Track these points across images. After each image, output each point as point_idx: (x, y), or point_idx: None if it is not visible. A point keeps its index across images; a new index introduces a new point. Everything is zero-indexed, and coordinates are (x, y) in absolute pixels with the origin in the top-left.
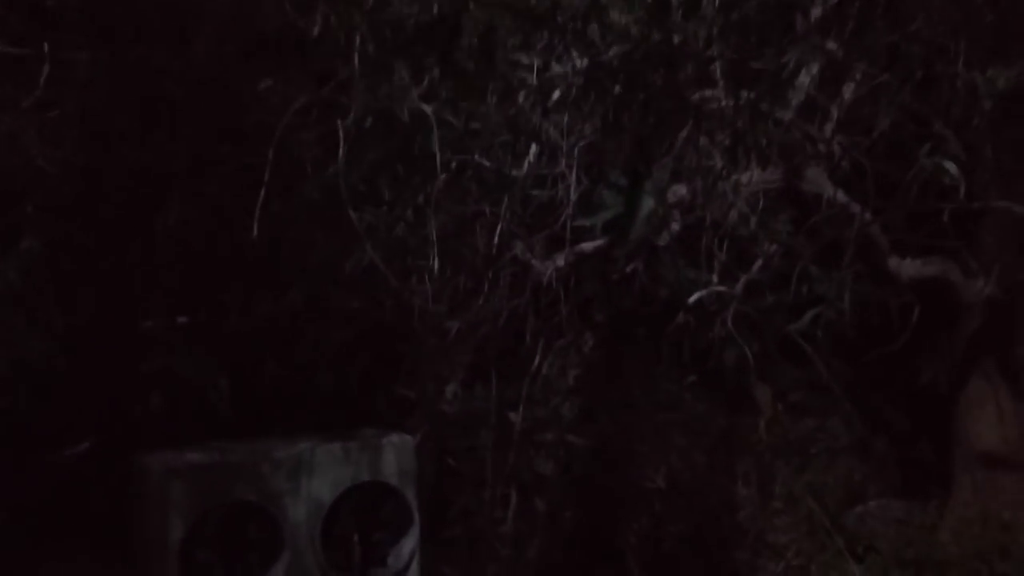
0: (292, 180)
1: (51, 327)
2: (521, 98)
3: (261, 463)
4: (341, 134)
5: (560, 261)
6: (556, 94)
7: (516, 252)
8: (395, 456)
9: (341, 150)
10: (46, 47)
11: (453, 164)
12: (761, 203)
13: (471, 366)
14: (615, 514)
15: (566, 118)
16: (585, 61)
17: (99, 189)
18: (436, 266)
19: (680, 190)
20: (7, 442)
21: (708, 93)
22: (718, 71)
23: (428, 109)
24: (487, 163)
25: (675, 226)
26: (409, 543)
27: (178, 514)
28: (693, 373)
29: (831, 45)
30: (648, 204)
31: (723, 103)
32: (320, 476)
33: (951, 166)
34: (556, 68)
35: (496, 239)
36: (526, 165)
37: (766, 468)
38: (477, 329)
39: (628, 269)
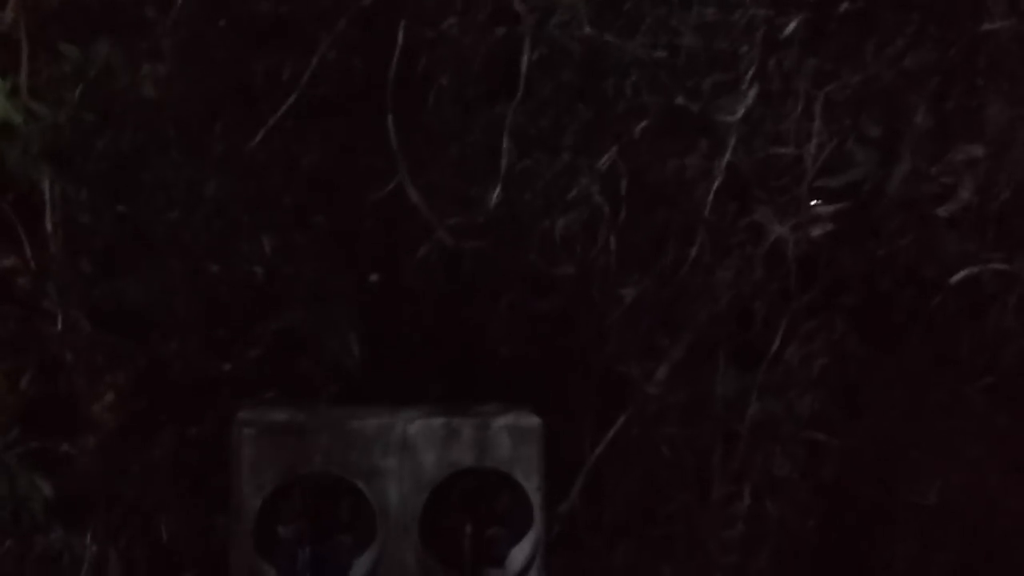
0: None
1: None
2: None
3: (352, 433)
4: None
5: (811, 230)
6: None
7: (755, 217)
8: (513, 440)
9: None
10: None
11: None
12: None
13: (692, 346)
14: (871, 531)
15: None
16: None
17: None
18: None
19: (973, 150)
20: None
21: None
22: None
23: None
24: (693, 108)
25: (964, 193)
26: (529, 543)
27: (257, 478)
28: (984, 371)
29: None
30: (907, 163)
31: None
32: (423, 455)
33: None
34: None
35: (711, 198)
36: (744, 110)
37: None
38: (694, 303)
39: (889, 242)
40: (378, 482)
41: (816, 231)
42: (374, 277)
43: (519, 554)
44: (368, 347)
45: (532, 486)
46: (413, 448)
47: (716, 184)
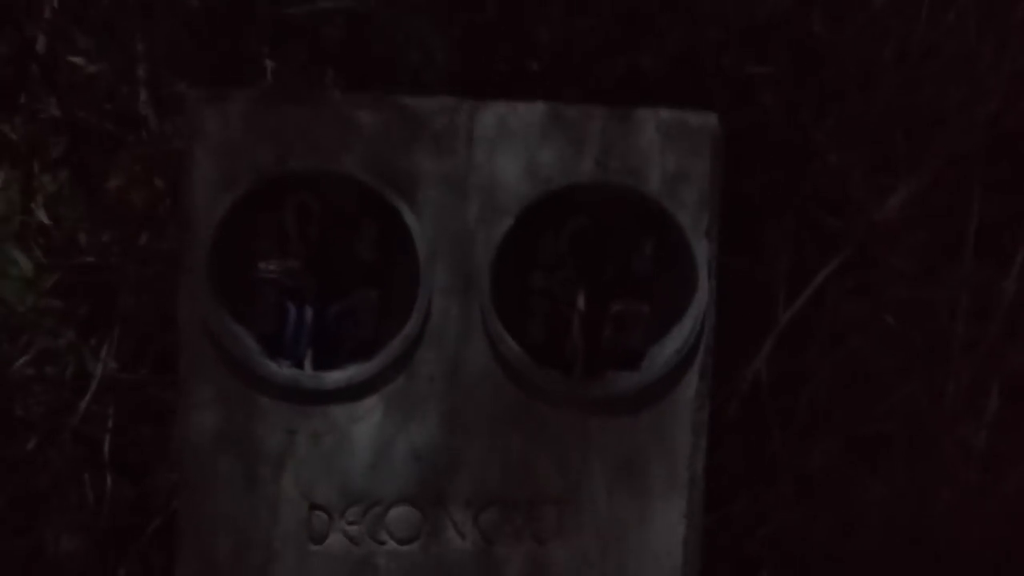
0: None
1: None
2: None
3: (386, 114)
4: None
5: None
6: None
7: None
8: (671, 146)
9: None
10: None
11: None
12: None
13: (939, 169)
14: None
15: None
16: None
17: None
18: None
19: None
20: None
21: None
22: None
23: None
24: None
25: None
26: (683, 331)
27: (219, 174)
28: None
29: None
30: None
31: None
32: (506, 158)
33: None
34: None
35: None
36: None
37: None
38: (946, 103)
39: None
40: (426, 200)
41: None
42: None
43: (666, 348)
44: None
45: (697, 229)
46: (490, 145)
47: None
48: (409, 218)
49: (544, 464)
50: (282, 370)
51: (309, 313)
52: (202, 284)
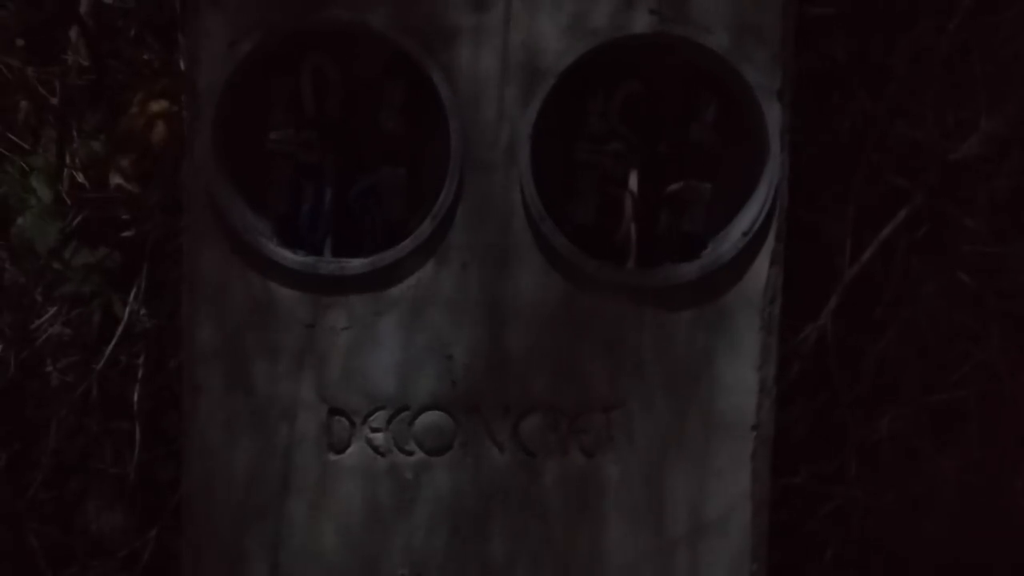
0: None
1: None
2: None
3: None
4: None
5: None
6: None
7: None
8: None
9: None
10: None
11: None
12: None
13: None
14: None
15: None
16: None
17: None
18: None
19: None
20: None
21: None
22: None
23: None
24: None
25: None
26: (754, 207)
27: (214, 41)
28: None
29: None
30: None
31: None
32: (542, 11)
33: None
34: None
35: None
36: None
37: None
38: None
39: None
40: (454, 57)
41: None
42: None
43: (731, 232)
44: None
45: (768, 89)
46: None
47: None
48: (439, 81)
49: (593, 365)
50: (297, 255)
51: (328, 193)
52: (207, 153)
